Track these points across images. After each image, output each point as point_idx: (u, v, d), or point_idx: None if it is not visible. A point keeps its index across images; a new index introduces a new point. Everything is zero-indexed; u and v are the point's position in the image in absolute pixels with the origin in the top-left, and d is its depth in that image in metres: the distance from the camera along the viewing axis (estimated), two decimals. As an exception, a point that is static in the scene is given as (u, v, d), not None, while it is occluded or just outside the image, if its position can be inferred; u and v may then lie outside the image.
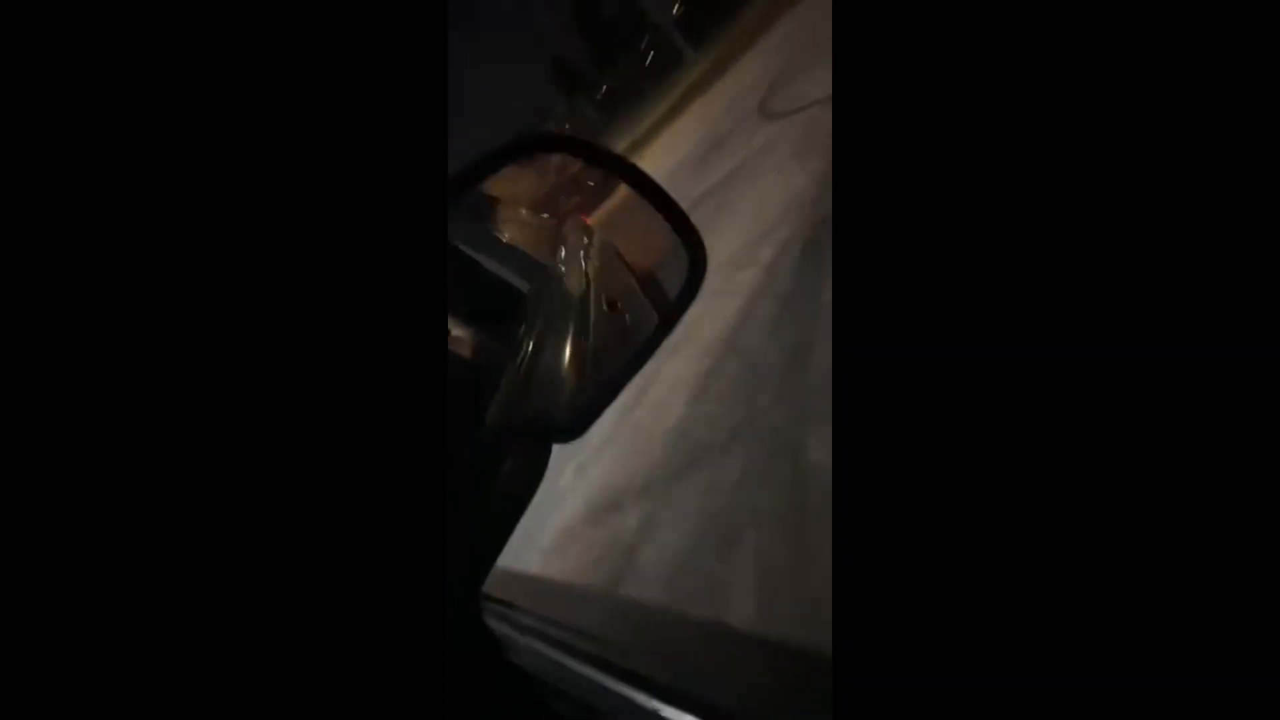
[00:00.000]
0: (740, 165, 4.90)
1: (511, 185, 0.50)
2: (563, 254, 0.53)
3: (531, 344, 0.51)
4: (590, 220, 0.55)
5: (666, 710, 0.33)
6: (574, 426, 0.50)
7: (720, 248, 3.22)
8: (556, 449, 0.50)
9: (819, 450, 1.61)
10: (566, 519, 2.46)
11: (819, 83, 4.61)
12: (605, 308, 0.54)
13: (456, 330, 0.48)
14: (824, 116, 3.96)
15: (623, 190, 0.53)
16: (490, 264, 0.49)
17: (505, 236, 0.51)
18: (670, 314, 0.52)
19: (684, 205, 0.48)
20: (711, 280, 0.47)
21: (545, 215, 0.52)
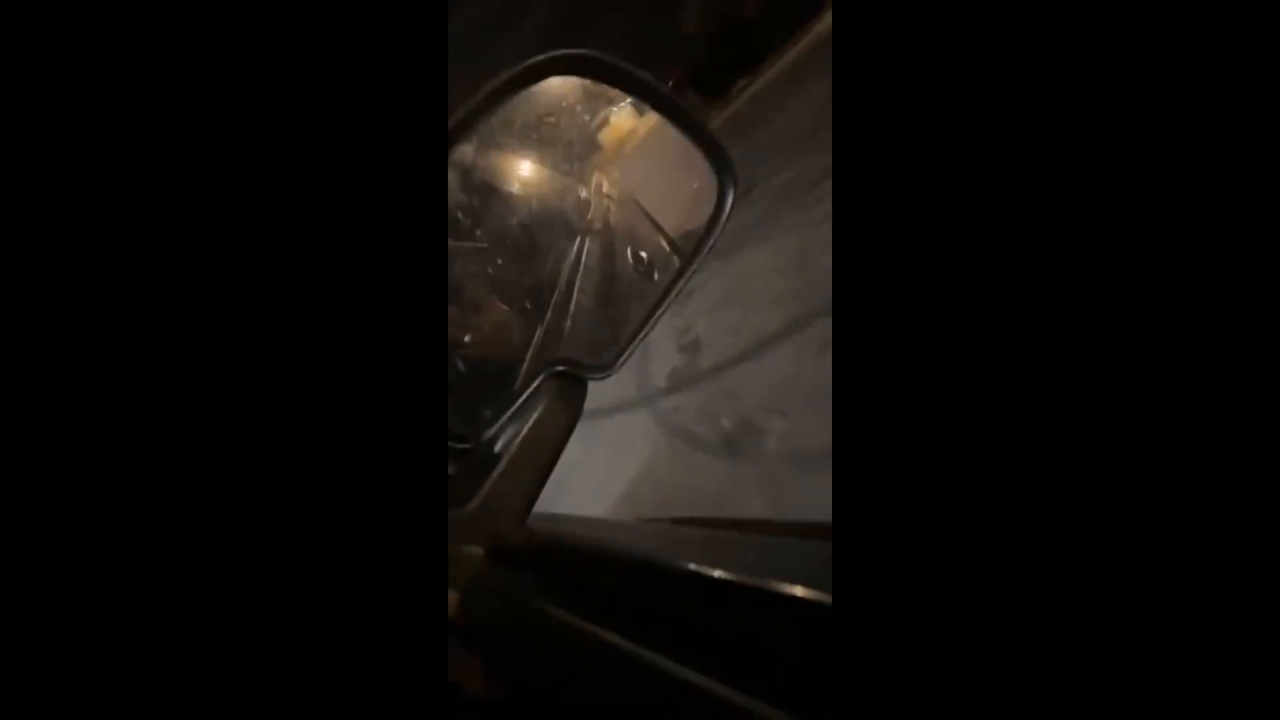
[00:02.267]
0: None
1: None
2: (587, 210, 0.52)
3: (560, 294, 0.50)
4: (608, 179, 0.53)
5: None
6: (607, 364, 0.50)
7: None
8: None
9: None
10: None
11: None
12: (631, 262, 0.53)
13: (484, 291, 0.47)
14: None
15: (638, 138, 0.51)
16: (513, 217, 0.48)
17: (523, 191, 0.50)
18: (701, 238, 0.51)
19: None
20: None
21: (563, 171, 0.50)
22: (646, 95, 0.49)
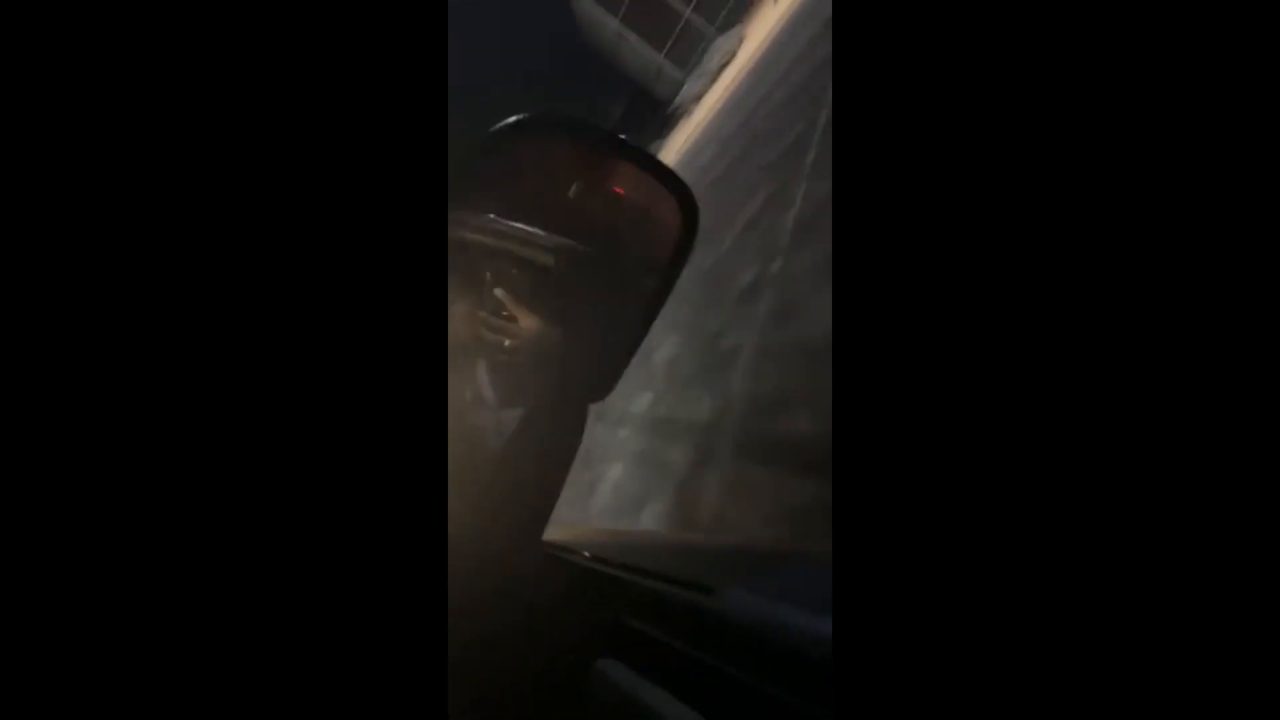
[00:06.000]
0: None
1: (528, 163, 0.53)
2: (590, 221, 0.57)
3: (567, 312, 0.56)
4: (618, 187, 0.57)
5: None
6: (609, 386, 0.57)
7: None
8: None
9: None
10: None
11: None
12: (635, 266, 0.58)
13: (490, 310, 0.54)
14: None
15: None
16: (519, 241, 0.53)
17: (529, 215, 0.54)
18: (669, 273, 0.56)
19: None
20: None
21: (566, 190, 0.55)
22: (610, 145, 0.53)
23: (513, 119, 0.50)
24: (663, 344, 2.92)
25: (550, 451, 0.55)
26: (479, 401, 0.56)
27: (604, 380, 0.58)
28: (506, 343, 0.54)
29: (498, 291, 0.53)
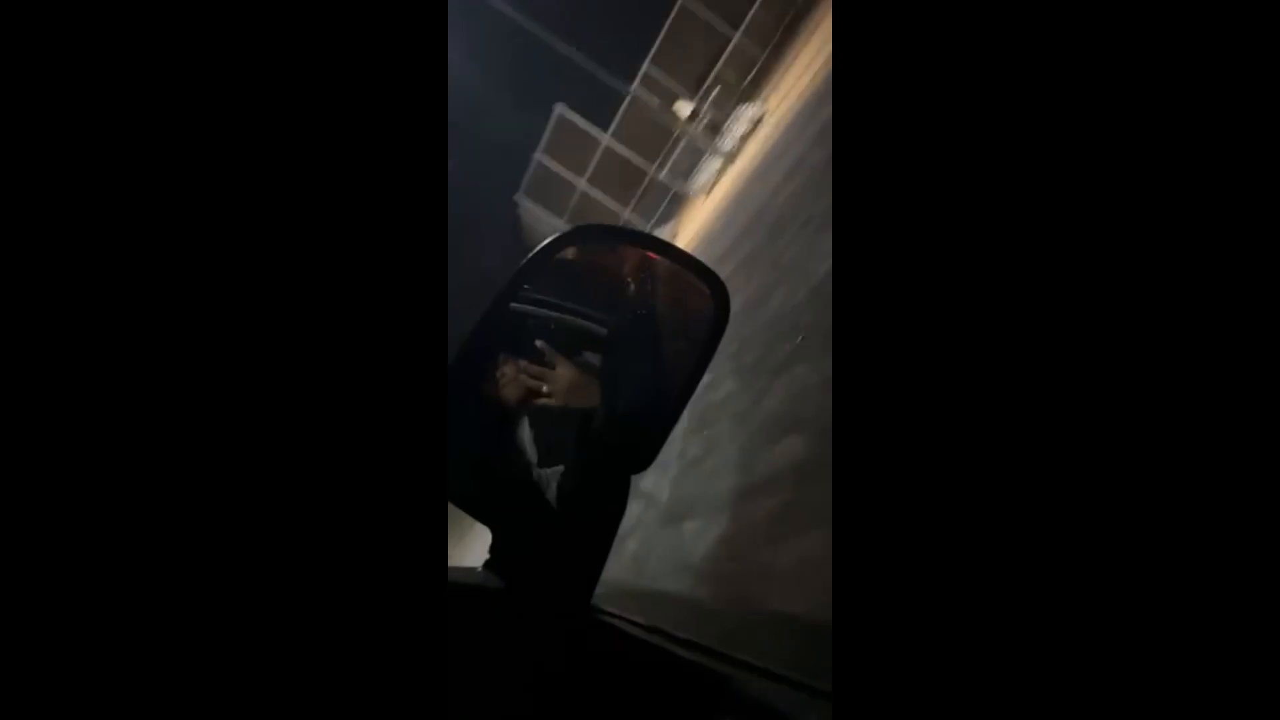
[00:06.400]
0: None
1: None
2: (632, 291, 0.63)
3: (602, 369, 0.60)
4: (655, 275, 0.64)
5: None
6: (649, 456, 0.59)
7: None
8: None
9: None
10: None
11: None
12: (675, 334, 0.63)
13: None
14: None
15: None
16: (571, 318, 0.58)
17: (577, 294, 0.60)
18: (703, 352, 0.62)
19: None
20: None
21: (609, 268, 0.62)
22: (649, 245, 0.62)
23: (559, 235, 0.58)
24: (765, 397, 2.72)
25: (594, 515, 0.56)
26: (523, 458, 0.57)
27: (642, 448, 0.60)
28: (544, 388, 0.57)
29: (538, 342, 0.57)
